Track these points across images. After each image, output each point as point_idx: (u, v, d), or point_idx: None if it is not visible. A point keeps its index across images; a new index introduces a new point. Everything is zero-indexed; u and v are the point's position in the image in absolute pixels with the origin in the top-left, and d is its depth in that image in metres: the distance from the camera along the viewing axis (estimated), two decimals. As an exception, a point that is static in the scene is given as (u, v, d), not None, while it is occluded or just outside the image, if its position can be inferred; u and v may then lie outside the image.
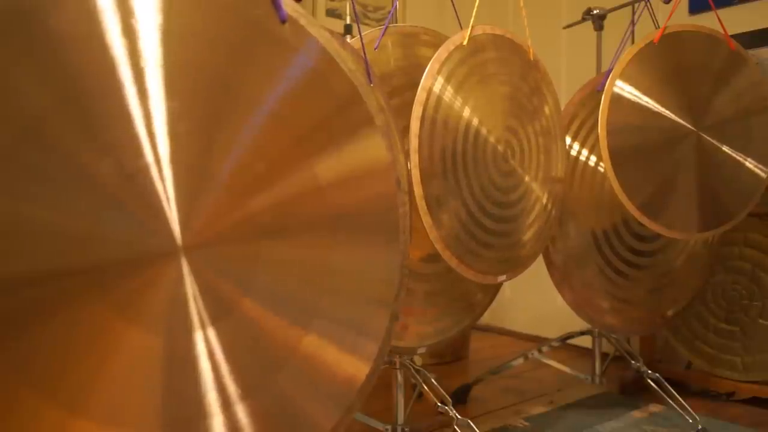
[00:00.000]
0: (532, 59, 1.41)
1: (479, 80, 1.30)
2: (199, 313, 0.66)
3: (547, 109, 1.45)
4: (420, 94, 1.20)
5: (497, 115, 1.33)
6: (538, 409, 1.76)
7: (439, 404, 1.42)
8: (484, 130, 1.30)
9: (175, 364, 0.64)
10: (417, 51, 1.34)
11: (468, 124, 1.27)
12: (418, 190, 1.19)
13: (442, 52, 1.24)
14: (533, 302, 2.68)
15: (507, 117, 1.35)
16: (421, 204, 1.19)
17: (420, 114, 1.20)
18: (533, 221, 1.43)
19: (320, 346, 0.75)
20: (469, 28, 1.28)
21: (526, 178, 1.40)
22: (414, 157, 1.19)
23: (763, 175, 1.56)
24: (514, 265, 1.40)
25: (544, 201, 1.45)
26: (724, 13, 1.86)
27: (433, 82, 1.22)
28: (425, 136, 1.20)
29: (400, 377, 1.40)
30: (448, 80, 1.24)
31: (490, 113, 1.31)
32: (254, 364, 0.70)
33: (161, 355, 0.63)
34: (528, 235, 1.42)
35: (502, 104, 1.34)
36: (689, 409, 1.59)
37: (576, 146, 1.72)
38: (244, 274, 0.69)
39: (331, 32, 0.88)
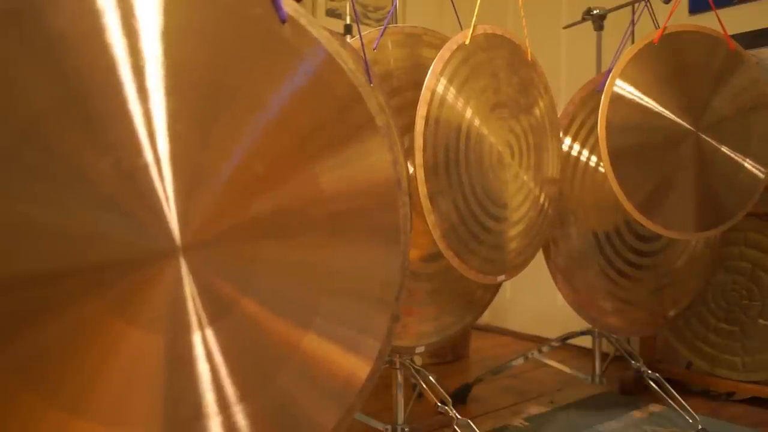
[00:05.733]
0: (529, 59, 1.41)
1: (479, 80, 1.29)
2: (197, 314, 0.65)
3: (541, 110, 1.45)
4: (424, 94, 1.20)
5: (497, 116, 1.33)
6: (538, 409, 1.76)
7: (439, 404, 1.42)
8: (485, 130, 1.30)
9: (175, 365, 0.64)
10: (417, 51, 1.33)
11: (470, 124, 1.27)
12: (422, 189, 1.18)
13: (444, 52, 1.24)
14: (533, 302, 2.68)
15: (507, 118, 1.35)
16: (425, 203, 1.19)
17: (425, 113, 1.20)
18: (531, 221, 1.43)
19: (321, 346, 0.75)
20: (471, 28, 1.28)
21: (525, 178, 1.40)
22: (418, 156, 1.18)
23: (761, 175, 1.56)
24: (513, 265, 1.40)
25: (542, 201, 1.45)
26: (724, 13, 1.86)
27: (437, 81, 1.22)
28: (429, 135, 1.20)
29: (400, 377, 1.40)
30: (450, 80, 1.24)
31: (490, 114, 1.31)
32: (254, 365, 0.70)
33: (161, 355, 0.63)
34: (527, 235, 1.42)
35: (502, 104, 1.34)
36: (689, 409, 1.58)
37: (576, 146, 1.72)
38: (243, 275, 0.69)
39: (332, 32, 0.88)
